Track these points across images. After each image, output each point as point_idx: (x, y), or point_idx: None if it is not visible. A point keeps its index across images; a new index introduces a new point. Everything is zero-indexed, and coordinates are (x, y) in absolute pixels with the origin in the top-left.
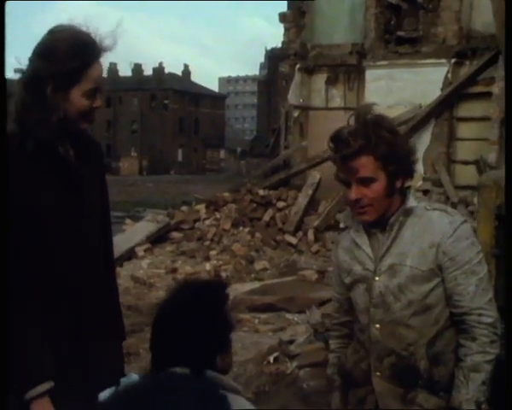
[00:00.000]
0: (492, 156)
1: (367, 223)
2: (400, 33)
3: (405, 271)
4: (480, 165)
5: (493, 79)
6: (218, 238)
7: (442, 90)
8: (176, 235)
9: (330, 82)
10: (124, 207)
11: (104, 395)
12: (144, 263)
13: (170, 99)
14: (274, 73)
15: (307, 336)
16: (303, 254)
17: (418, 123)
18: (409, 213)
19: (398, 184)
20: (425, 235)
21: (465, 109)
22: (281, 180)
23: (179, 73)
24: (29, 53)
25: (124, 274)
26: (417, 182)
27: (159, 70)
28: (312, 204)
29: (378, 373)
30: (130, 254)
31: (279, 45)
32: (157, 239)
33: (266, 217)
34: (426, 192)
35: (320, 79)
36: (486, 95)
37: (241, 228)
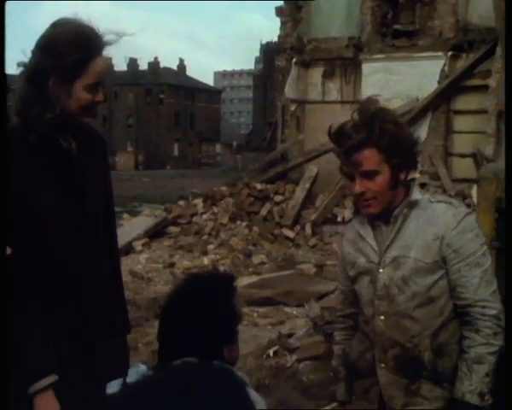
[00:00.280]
0: (489, 149)
1: (371, 216)
2: (397, 26)
3: (409, 263)
4: (477, 158)
5: (490, 71)
6: (215, 232)
7: (439, 83)
8: (173, 229)
9: (327, 75)
10: (120, 202)
11: (112, 386)
12: (142, 258)
13: (165, 93)
14: (269, 68)
15: (306, 330)
16: (300, 248)
17: (415, 116)
18: (413, 205)
19: (402, 176)
20: (429, 227)
21: (462, 102)
22: (278, 174)
23: (174, 67)
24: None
25: (121, 269)
26: (414, 175)
27: (154, 64)
28: (310, 198)
29: (382, 365)
30: (127, 249)
31: (274, 39)
32: (155, 234)
33: (264, 211)
34: (423, 185)
35: (317, 73)
36: (483, 88)
37: (238, 222)
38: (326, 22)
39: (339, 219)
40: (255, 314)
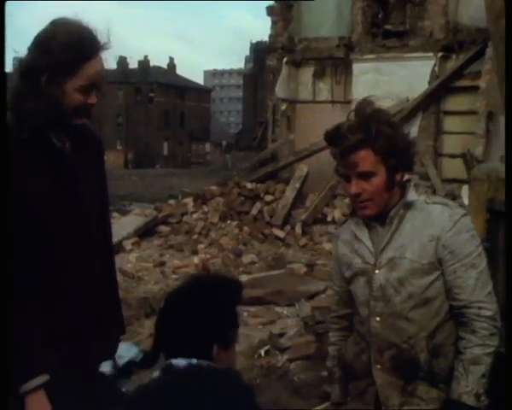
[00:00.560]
0: (479, 150)
1: (367, 217)
2: (387, 27)
3: (405, 264)
4: (467, 158)
5: (480, 72)
6: (205, 232)
7: (429, 83)
8: (163, 228)
9: (317, 75)
10: (110, 201)
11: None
12: (132, 257)
13: (155, 92)
14: (260, 67)
15: (297, 330)
16: (291, 248)
17: (405, 116)
18: (409, 206)
19: (398, 177)
20: (425, 228)
21: (452, 103)
22: (268, 174)
23: (164, 66)
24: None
25: None
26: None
27: (144, 63)
28: (300, 198)
29: (378, 366)
30: (117, 248)
31: (265, 39)
32: (145, 233)
33: (254, 210)
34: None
35: (307, 73)
36: (473, 89)
37: (228, 222)
38: (317, 22)
39: (329, 218)
40: (246, 314)
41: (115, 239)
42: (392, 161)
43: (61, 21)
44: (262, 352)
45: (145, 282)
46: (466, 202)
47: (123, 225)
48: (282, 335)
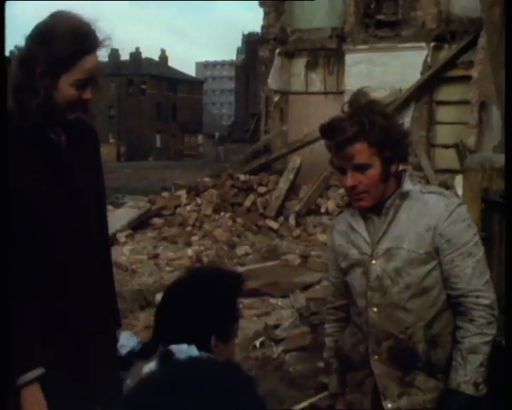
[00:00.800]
0: (471, 140)
1: (363, 209)
2: (380, 17)
3: (402, 254)
4: (460, 148)
5: (472, 62)
6: (199, 224)
7: (422, 73)
8: (157, 221)
9: (310, 66)
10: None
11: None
12: (126, 249)
13: (147, 84)
14: (252, 58)
15: (292, 321)
16: (284, 239)
17: (398, 107)
18: (405, 196)
19: (394, 168)
20: (421, 218)
21: (444, 93)
22: (261, 165)
23: (156, 58)
24: None
25: None
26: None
27: (136, 55)
28: (293, 189)
29: (376, 356)
30: (111, 241)
31: (256, 30)
32: (138, 225)
33: (247, 202)
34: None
35: (300, 64)
36: (465, 78)
37: (222, 213)
38: (309, 13)
39: (322, 209)
40: (240, 306)
41: (109, 232)
42: (387, 153)
43: (60, 14)
44: (257, 343)
45: (139, 274)
46: (459, 192)
47: (116, 218)
48: (277, 326)
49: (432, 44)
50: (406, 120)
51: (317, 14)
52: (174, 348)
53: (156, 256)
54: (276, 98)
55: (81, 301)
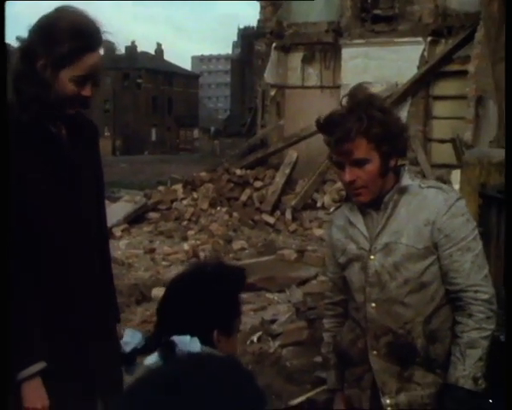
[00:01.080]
0: (468, 135)
1: (362, 204)
2: (376, 11)
3: (401, 249)
4: (456, 143)
5: (469, 57)
6: (195, 218)
7: (418, 68)
8: (153, 215)
9: (306, 60)
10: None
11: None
12: (122, 244)
13: (143, 78)
14: (247, 52)
15: (289, 316)
16: (281, 234)
17: (395, 101)
18: (403, 191)
19: (392, 163)
20: (420, 213)
21: (441, 88)
22: (258, 160)
23: (152, 51)
24: None
25: None
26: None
27: (131, 49)
28: (289, 183)
29: (375, 352)
30: None
31: (252, 24)
32: (134, 219)
33: (244, 197)
34: None
35: (296, 58)
36: (462, 73)
37: (218, 208)
38: (306, 7)
39: (319, 204)
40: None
41: None
42: (385, 148)
43: (65, 9)
44: (254, 338)
45: (135, 269)
46: (455, 187)
47: (112, 212)
48: (273, 321)
49: (428, 39)
50: (403, 114)
51: (314, 8)
52: (176, 339)
53: (152, 251)
54: (273, 92)
55: (81, 296)
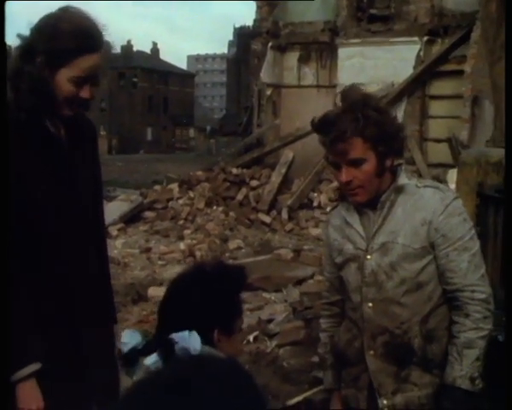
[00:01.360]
0: (464, 134)
1: (359, 204)
2: (372, 11)
3: (397, 249)
4: (452, 143)
5: (465, 57)
6: (191, 217)
7: (414, 68)
8: (149, 214)
9: (303, 60)
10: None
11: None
12: (118, 243)
13: (138, 77)
14: (243, 52)
15: (286, 315)
16: (277, 233)
17: (391, 101)
18: (400, 190)
19: (389, 163)
20: (417, 212)
21: (437, 87)
22: (254, 159)
23: (148, 50)
24: None
25: None
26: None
27: (127, 48)
28: (286, 183)
29: (371, 352)
30: None
31: (248, 23)
32: (130, 219)
33: (240, 196)
34: None
35: (292, 57)
36: (458, 73)
37: (214, 207)
38: (302, 6)
39: (315, 203)
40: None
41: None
42: (381, 147)
43: (69, 9)
44: (251, 338)
45: (131, 268)
46: (451, 186)
47: (108, 211)
48: (270, 321)
49: (424, 39)
50: (399, 114)
51: (310, 7)
52: (175, 336)
53: (148, 250)
54: (269, 92)
55: (78, 296)
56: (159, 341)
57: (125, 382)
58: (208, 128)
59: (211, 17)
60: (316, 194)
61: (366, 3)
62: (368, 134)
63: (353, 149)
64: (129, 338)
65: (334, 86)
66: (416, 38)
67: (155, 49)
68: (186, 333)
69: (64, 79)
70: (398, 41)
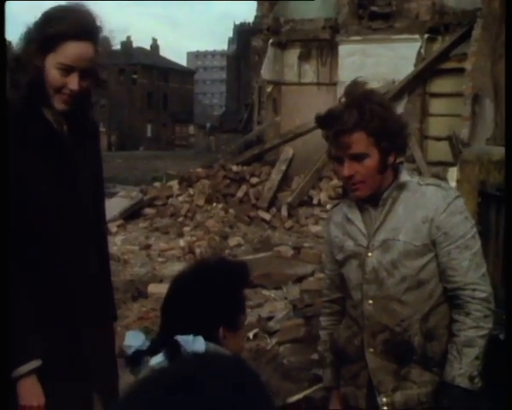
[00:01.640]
0: (465, 132)
1: (360, 199)
2: (373, 8)
3: (399, 246)
4: (453, 141)
5: (465, 54)
6: (191, 214)
7: (415, 65)
8: (149, 211)
9: (303, 57)
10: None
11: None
12: (118, 239)
13: (138, 74)
14: (243, 48)
15: (286, 313)
16: (276, 230)
17: (391, 98)
18: (402, 188)
19: (391, 159)
20: (418, 210)
21: (438, 85)
22: (254, 156)
23: (148, 47)
24: None
25: None
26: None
27: (127, 44)
28: (285, 180)
29: (371, 349)
30: None
31: (248, 20)
32: (130, 215)
33: (240, 193)
34: None
35: (293, 54)
36: (459, 71)
37: (214, 204)
38: (302, 3)
39: (314, 201)
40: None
41: None
42: (385, 143)
43: (71, 1)
44: (251, 335)
45: (131, 265)
46: (452, 184)
47: (108, 208)
48: (270, 318)
49: (425, 36)
50: (399, 111)
51: (311, 4)
52: (180, 339)
53: (148, 247)
54: (269, 89)
55: (78, 293)
56: (164, 340)
57: (130, 380)
58: (208, 125)
59: (211, 14)
60: (316, 191)
61: (367, 1)
62: (371, 129)
63: (356, 144)
64: (132, 340)
65: (335, 84)
66: (416, 36)
67: (155, 46)
68: (191, 337)
69: (51, 65)
70: (399, 38)
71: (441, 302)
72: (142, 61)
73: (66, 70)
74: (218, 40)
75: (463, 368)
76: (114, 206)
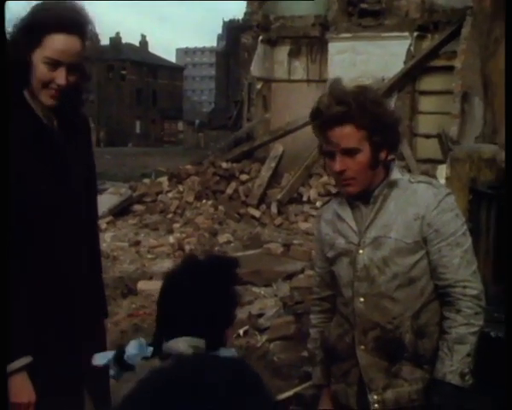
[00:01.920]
0: (454, 130)
1: (351, 195)
2: (363, 6)
3: (390, 243)
4: (442, 138)
5: (455, 52)
6: (181, 211)
7: (405, 63)
8: (138, 208)
9: (293, 54)
10: None
11: (99, 359)
12: (107, 236)
13: (127, 70)
14: (232, 45)
15: (276, 310)
16: (266, 227)
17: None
18: (393, 185)
19: (383, 155)
20: (409, 207)
21: (427, 83)
22: (244, 153)
23: (137, 43)
24: None
25: None
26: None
27: (116, 40)
28: (275, 177)
29: (362, 347)
30: None
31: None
32: (119, 212)
33: (229, 190)
34: None
35: (283, 51)
36: (448, 68)
37: (204, 201)
38: (292, 0)
39: (304, 198)
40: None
41: None
42: (376, 138)
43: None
44: (241, 332)
45: (120, 261)
46: (441, 181)
47: (98, 204)
48: (260, 315)
49: (415, 34)
50: None
51: (301, 1)
52: (178, 340)
53: (137, 243)
54: (259, 86)
55: (69, 290)
56: (160, 343)
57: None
58: (197, 122)
59: (200, 10)
60: (305, 188)
61: None
62: (361, 122)
63: (348, 138)
64: (137, 349)
65: (325, 81)
66: (406, 34)
67: (144, 42)
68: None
69: (38, 60)
70: (389, 36)
71: (432, 300)
72: (131, 57)
73: (53, 65)
74: (207, 37)
75: (454, 365)
76: (104, 202)
